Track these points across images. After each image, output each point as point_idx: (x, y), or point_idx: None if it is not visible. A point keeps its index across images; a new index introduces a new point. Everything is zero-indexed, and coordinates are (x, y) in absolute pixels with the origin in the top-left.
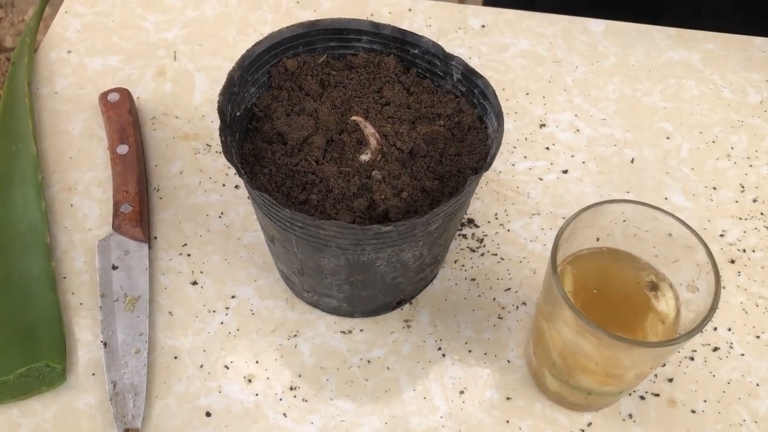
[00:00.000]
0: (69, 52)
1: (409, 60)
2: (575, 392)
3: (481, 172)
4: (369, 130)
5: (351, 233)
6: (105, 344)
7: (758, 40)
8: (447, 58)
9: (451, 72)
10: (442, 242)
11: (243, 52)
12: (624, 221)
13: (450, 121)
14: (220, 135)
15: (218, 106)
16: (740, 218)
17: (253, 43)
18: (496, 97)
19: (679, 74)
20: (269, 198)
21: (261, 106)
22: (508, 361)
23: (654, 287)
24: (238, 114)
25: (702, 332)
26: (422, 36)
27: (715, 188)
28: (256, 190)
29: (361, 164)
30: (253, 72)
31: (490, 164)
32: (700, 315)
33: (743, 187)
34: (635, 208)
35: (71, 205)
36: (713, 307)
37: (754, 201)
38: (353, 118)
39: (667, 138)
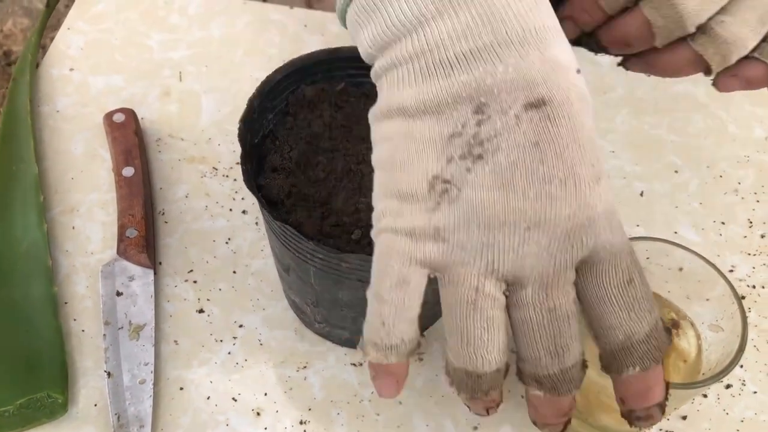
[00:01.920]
0: (71, 69)
1: None
2: (593, 431)
3: None
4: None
5: None
6: (109, 374)
7: None
8: None
9: None
10: None
11: (250, 74)
12: (647, 258)
13: None
14: (241, 164)
15: (239, 134)
16: (749, 254)
17: (272, 70)
18: None
19: (686, 108)
20: (291, 229)
21: (278, 134)
22: (522, 397)
23: (675, 325)
24: (255, 141)
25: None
26: None
27: (723, 223)
28: (277, 221)
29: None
30: (272, 99)
31: None
32: (725, 355)
33: (751, 222)
34: (648, 243)
35: (73, 228)
36: (741, 348)
37: (762, 237)
38: None
39: (676, 171)
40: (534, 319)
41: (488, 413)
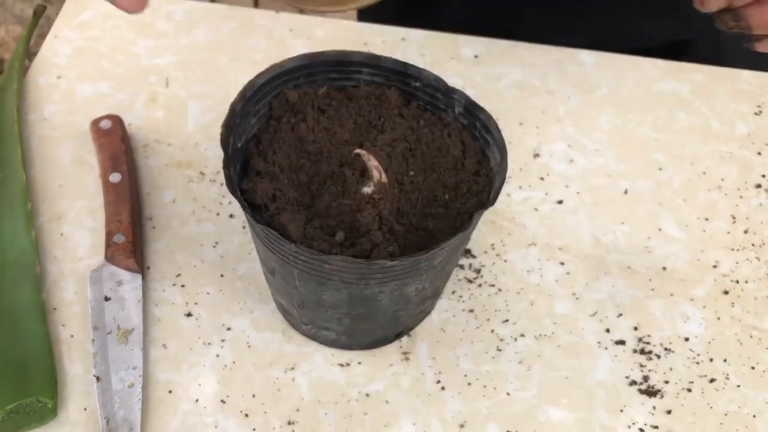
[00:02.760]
0: (58, 77)
1: (410, 92)
2: None
3: (487, 206)
4: (372, 162)
5: (356, 267)
6: (98, 378)
7: (745, 73)
8: (449, 92)
9: (453, 105)
10: (444, 275)
11: (235, 79)
12: None
13: (451, 154)
14: (223, 168)
15: (221, 138)
16: (732, 249)
17: (255, 74)
18: (498, 130)
19: (670, 105)
20: (273, 232)
21: (261, 138)
22: (508, 394)
23: None
24: (239, 145)
25: (698, 363)
26: (424, 69)
27: (707, 219)
28: (259, 224)
29: (363, 197)
30: (255, 103)
31: (495, 198)
32: None
33: (734, 218)
34: None
35: (61, 234)
36: None
37: (745, 232)
38: (356, 151)
39: (660, 169)
40: None
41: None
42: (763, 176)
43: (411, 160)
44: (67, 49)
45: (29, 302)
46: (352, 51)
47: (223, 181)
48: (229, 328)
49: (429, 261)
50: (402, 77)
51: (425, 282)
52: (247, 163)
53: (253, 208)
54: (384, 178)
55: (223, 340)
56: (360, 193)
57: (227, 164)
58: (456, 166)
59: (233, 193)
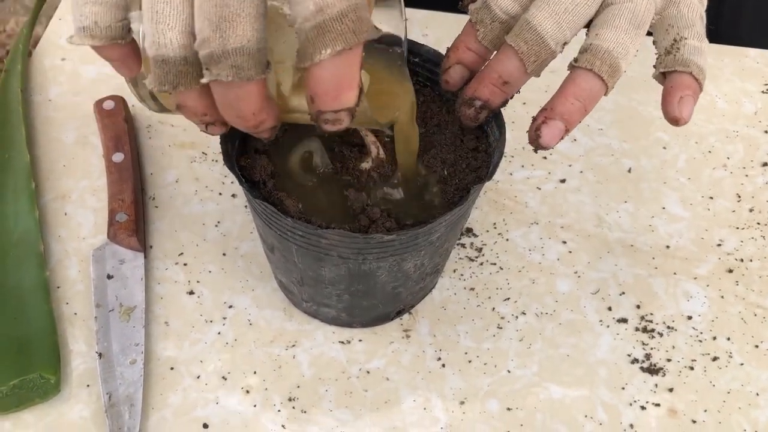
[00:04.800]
0: (63, 59)
1: (410, 68)
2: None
3: (485, 181)
4: (370, 138)
5: (353, 242)
6: (100, 355)
7: (751, 51)
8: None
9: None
10: (443, 251)
11: None
12: None
13: (450, 130)
14: (220, 143)
15: None
16: (737, 228)
17: None
18: None
19: None
20: (270, 207)
21: None
22: (509, 371)
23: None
24: None
25: (701, 341)
26: (423, 44)
27: (711, 198)
28: (256, 199)
29: (361, 172)
30: None
31: (493, 173)
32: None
33: (739, 196)
34: None
35: (65, 214)
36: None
37: (751, 210)
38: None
39: (664, 148)
40: None
41: (207, 129)
42: None
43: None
44: (71, 31)
45: (33, 280)
46: None
47: None
48: (230, 306)
49: (427, 236)
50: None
51: (424, 258)
52: (245, 141)
53: (253, 184)
54: (382, 154)
55: (224, 318)
56: (358, 169)
57: (224, 140)
58: (455, 143)
59: (230, 168)
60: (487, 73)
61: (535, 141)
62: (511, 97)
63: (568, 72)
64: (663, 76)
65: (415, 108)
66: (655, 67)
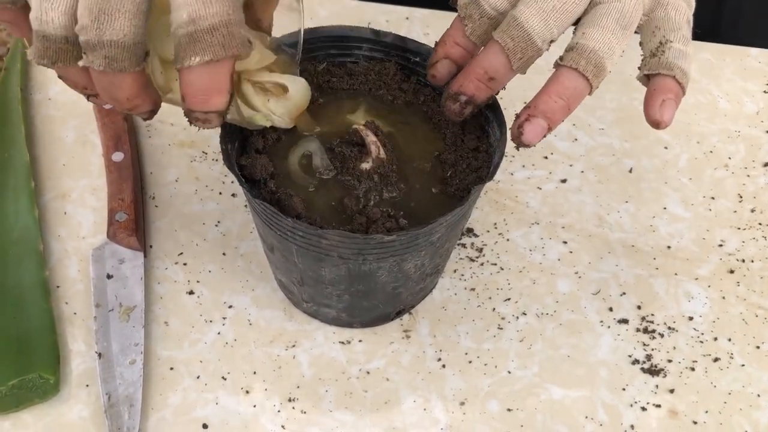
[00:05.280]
0: None
1: (410, 68)
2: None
3: (486, 181)
4: (371, 138)
5: (353, 242)
6: (99, 355)
7: (753, 51)
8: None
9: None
10: (444, 252)
11: None
12: None
13: (451, 130)
14: (220, 143)
15: None
16: (738, 228)
17: None
18: (498, 105)
19: None
20: (271, 207)
21: None
22: (509, 372)
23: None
24: None
25: (702, 342)
26: (424, 44)
27: (713, 198)
28: (256, 199)
29: (362, 172)
30: None
31: (494, 173)
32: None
33: (741, 197)
34: None
35: (65, 213)
36: None
37: (752, 211)
38: (354, 126)
39: (665, 148)
40: None
41: (87, 98)
42: None
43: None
44: None
45: (33, 280)
46: (352, 26)
47: None
48: (230, 306)
49: (427, 237)
50: (402, 52)
51: (424, 258)
52: (246, 141)
53: (253, 184)
54: (383, 154)
55: (224, 318)
56: (359, 169)
57: (224, 140)
58: (455, 143)
59: (230, 167)
60: (473, 69)
61: (518, 138)
62: (497, 93)
63: (553, 70)
64: (647, 78)
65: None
66: (639, 68)
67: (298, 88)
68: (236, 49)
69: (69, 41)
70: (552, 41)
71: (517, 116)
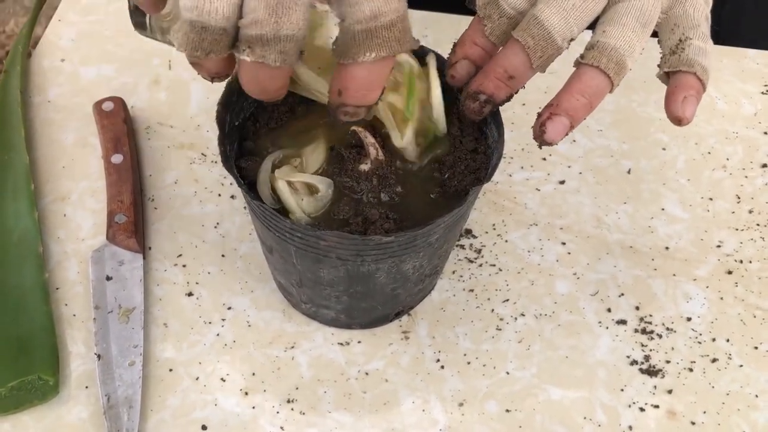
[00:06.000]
0: (62, 60)
1: None
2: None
3: (484, 182)
4: (369, 140)
5: (351, 244)
6: (99, 356)
7: (751, 52)
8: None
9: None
10: (442, 253)
11: None
12: None
13: (449, 131)
14: (219, 145)
15: (217, 116)
16: (737, 229)
17: None
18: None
19: None
20: (269, 208)
21: (259, 116)
22: (507, 373)
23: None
24: (236, 123)
25: (700, 343)
26: (422, 45)
27: (711, 199)
28: (255, 200)
29: (360, 174)
30: None
31: (492, 174)
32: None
33: (739, 198)
34: None
35: (64, 215)
36: None
37: (750, 212)
38: (353, 128)
39: (663, 149)
40: None
41: (212, 81)
42: None
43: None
44: (71, 32)
45: (32, 281)
46: None
47: None
48: (229, 308)
49: (425, 238)
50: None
51: (423, 260)
52: (245, 141)
53: (252, 185)
54: (381, 155)
55: (223, 319)
56: (357, 171)
57: (223, 141)
58: (453, 144)
59: (229, 169)
60: (493, 68)
61: (540, 137)
62: (516, 92)
63: (574, 68)
64: (667, 76)
65: None
66: (659, 66)
67: (327, 188)
68: (409, 44)
69: (226, 32)
70: (572, 39)
71: (539, 115)
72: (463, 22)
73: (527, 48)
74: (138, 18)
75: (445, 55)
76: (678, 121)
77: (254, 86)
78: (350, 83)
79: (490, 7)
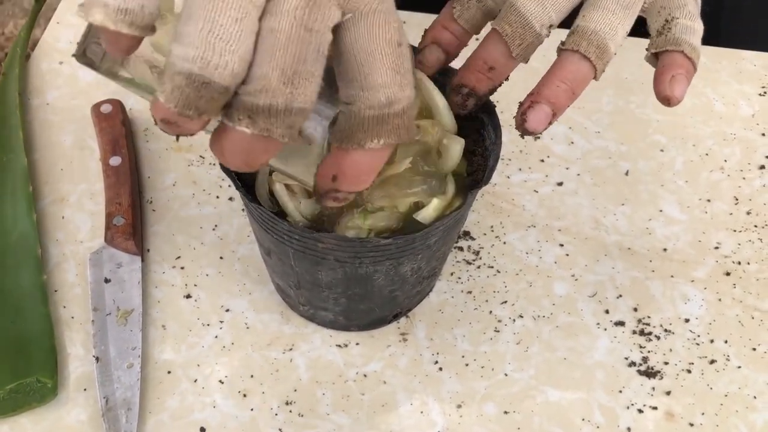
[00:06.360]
0: (61, 63)
1: None
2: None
3: (481, 185)
4: None
5: (349, 246)
6: (97, 359)
7: (749, 54)
8: (445, 71)
9: (448, 83)
10: (440, 255)
11: None
12: None
13: None
14: None
15: None
16: (734, 230)
17: None
18: (494, 109)
19: None
20: (266, 210)
21: None
22: (506, 375)
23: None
24: None
25: (698, 344)
26: (419, 47)
27: (709, 200)
28: (253, 203)
29: None
30: None
31: (490, 177)
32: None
33: (737, 199)
34: None
35: (63, 217)
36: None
37: (748, 213)
38: None
39: (661, 150)
40: (285, 30)
41: (177, 139)
42: (767, 157)
43: None
44: (69, 34)
45: (31, 284)
46: None
47: None
48: (227, 310)
49: (423, 240)
50: None
51: (421, 262)
52: None
53: (250, 188)
54: None
55: (221, 322)
56: None
57: None
58: None
59: (227, 171)
60: (473, 60)
61: (521, 126)
62: (500, 85)
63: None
64: (655, 58)
65: None
66: (647, 49)
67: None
68: (414, 132)
69: (228, 92)
70: (551, 26)
71: (521, 104)
72: None
73: (505, 36)
74: (91, 49)
75: None
76: (667, 100)
77: (239, 158)
78: (349, 169)
79: None
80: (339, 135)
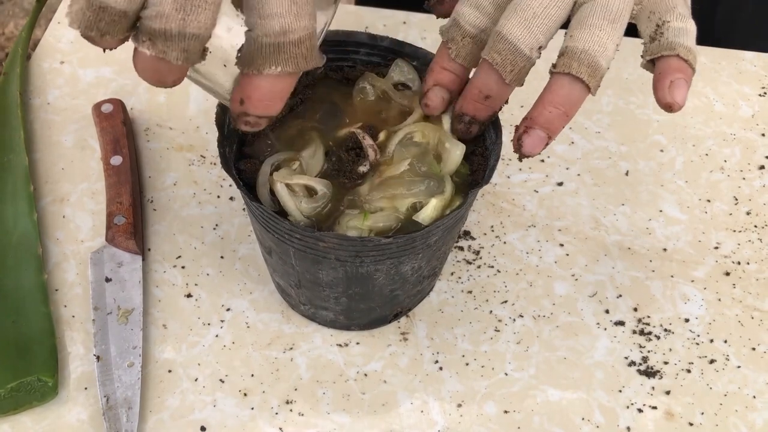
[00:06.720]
0: (62, 62)
1: None
2: None
3: (482, 185)
4: (367, 141)
5: (350, 245)
6: (98, 358)
7: (748, 54)
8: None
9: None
10: (441, 255)
11: None
12: None
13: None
14: (218, 146)
15: (216, 118)
16: (734, 231)
17: None
18: None
19: None
20: (268, 210)
21: None
22: (506, 374)
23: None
24: None
25: (698, 344)
26: (420, 48)
27: (709, 201)
28: (254, 202)
29: (359, 176)
30: None
31: (490, 177)
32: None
33: (737, 199)
34: None
35: (63, 217)
36: None
37: (748, 213)
38: (351, 130)
39: (661, 151)
40: None
41: (104, 51)
42: (767, 157)
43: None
44: (70, 34)
45: (31, 283)
46: (349, 31)
47: None
48: (228, 309)
49: (424, 240)
50: (399, 57)
51: (421, 261)
52: (243, 143)
53: (251, 187)
54: (380, 157)
55: (222, 321)
56: (356, 172)
57: (222, 143)
58: None
59: (228, 171)
60: (469, 90)
61: (518, 150)
62: (500, 110)
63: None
64: (651, 65)
65: None
66: (642, 56)
67: (325, 190)
68: (315, 61)
69: (127, 16)
70: (541, 48)
71: (516, 128)
72: None
73: (496, 65)
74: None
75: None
76: (669, 107)
77: (149, 76)
78: (253, 93)
79: (452, 29)
80: (242, 59)
